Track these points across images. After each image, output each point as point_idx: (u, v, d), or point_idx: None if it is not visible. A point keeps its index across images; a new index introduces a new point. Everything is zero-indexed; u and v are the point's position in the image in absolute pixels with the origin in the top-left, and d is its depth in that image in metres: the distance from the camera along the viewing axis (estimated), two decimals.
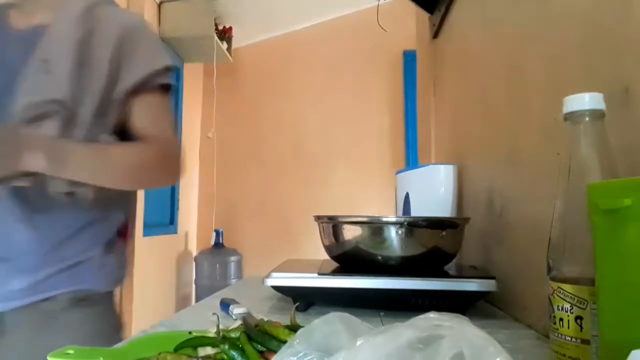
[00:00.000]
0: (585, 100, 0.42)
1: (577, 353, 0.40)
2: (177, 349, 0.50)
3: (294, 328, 0.48)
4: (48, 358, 0.47)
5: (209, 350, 0.48)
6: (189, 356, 0.46)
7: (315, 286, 0.78)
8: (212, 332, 0.52)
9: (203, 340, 0.50)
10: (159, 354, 0.46)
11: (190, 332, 0.54)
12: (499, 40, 0.92)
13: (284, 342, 0.43)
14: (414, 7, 1.66)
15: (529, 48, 0.76)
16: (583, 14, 0.59)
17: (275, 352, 0.42)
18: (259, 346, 0.47)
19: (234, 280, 3.13)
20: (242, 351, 0.47)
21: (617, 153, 0.43)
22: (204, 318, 0.73)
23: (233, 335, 0.50)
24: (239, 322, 0.55)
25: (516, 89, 0.81)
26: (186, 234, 3.41)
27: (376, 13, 1.90)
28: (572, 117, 0.43)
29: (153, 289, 2.79)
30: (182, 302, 3.24)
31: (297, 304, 0.65)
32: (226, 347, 0.46)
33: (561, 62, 0.64)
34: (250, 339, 0.48)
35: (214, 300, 0.86)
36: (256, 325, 0.51)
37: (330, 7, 3.41)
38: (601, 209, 0.34)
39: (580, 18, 0.60)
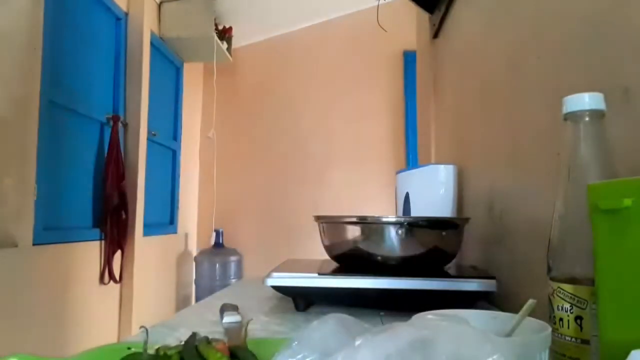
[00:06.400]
0: (585, 100, 0.42)
1: (577, 353, 0.40)
2: None
3: (235, 352, 0.46)
4: None
5: None
6: None
7: (315, 286, 0.78)
8: (156, 346, 0.50)
9: (135, 358, 0.48)
10: None
11: (129, 348, 0.51)
12: (499, 40, 0.92)
13: None
14: (414, 7, 1.66)
15: (529, 48, 0.76)
16: (583, 13, 0.59)
17: None
18: None
19: (234, 280, 3.13)
20: None
21: (617, 153, 0.43)
22: (203, 318, 0.73)
23: (168, 353, 0.47)
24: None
25: (516, 89, 0.81)
26: (186, 234, 3.40)
27: (376, 13, 1.90)
28: (572, 117, 0.43)
29: (153, 289, 2.79)
30: (182, 302, 3.24)
31: (251, 319, 0.62)
32: None
33: (561, 62, 0.64)
34: None
35: (214, 300, 0.86)
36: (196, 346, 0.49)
37: (330, 7, 3.40)
38: (601, 209, 0.34)
39: (580, 18, 0.60)
